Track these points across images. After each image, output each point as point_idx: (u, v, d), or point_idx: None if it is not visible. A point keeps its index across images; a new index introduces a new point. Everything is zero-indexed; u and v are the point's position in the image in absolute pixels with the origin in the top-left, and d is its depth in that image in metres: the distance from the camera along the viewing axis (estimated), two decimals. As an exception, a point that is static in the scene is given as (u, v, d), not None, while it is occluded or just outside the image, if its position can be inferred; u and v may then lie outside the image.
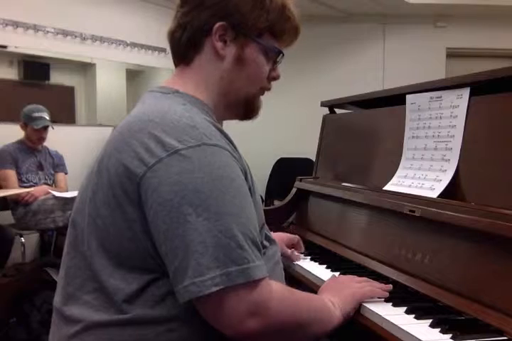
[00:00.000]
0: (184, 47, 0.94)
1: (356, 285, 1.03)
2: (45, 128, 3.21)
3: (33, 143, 3.27)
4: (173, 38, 0.96)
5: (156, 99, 0.92)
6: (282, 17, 0.96)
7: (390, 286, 1.05)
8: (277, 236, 1.28)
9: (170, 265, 0.77)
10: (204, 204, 0.75)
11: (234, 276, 0.74)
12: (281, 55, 0.98)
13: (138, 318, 0.80)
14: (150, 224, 0.78)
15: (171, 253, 0.76)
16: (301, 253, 1.39)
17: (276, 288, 0.82)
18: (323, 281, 1.11)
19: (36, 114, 3.18)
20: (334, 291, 1.00)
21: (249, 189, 0.86)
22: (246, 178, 0.86)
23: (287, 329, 0.83)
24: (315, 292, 1.04)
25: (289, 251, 1.35)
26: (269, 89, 1.01)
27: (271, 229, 1.23)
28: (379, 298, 1.01)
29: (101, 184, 0.84)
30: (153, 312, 0.80)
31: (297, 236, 1.41)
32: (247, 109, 1.00)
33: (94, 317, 0.82)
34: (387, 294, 1.02)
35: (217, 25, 0.91)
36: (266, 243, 0.97)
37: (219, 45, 0.92)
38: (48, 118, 3.22)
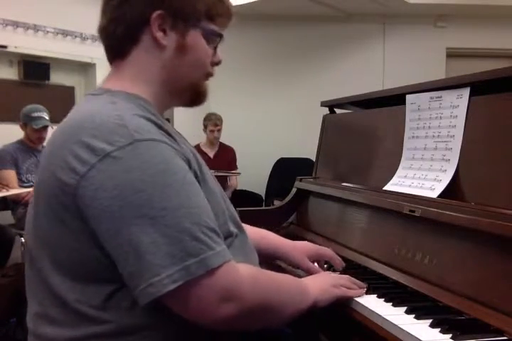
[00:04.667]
0: (119, 42, 0.90)
1: (338, 282, 1.02)
2: (45, 128, 3.21)
3: (32, 143, 3.26)
4: (106, 33, 0.92)
5: (86, 102, 0.90)
6: (216, 0, 0.93)
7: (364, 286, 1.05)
8: (301, 245, 1.22)
9: (123, 271, 0.75)
10: (147, 203, 0.73)
11: (194, 269, 0.73)
12: (220, 38, 0.95)
13: (111, 330, 0.78)
14: (96, 233, 0.76)
15: (122, 259, 0.74)
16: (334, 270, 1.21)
17: (245, 271, 0.81)
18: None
19: (36, 114, 3.17)
20: (315, 278, 1.01)
21: (197, 177, 0.84)
22: (190, 167, 0.83)
23: (264, 310, 0.83)
24: None
25: (311, 264, 1.18)
26: (212, 74, 0.97)
27: (271, 230, 1.23)
28: (379, 298, 1.01)
29: (39, 200, 0.82)
30: (125, 322, 0.79)
31: (329, 250, 1.22)
32: (194, 96, 0.97)
33: (65, 334, 0.80)
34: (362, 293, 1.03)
35: (155, 14, 0.87)
36: (233, 229, 0.93)
37: (159, 35, 0.88)
38: (47, 118, 3.22)
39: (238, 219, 0.99)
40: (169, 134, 0.83)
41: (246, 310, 0.78)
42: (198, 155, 0.91)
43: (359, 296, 1.02)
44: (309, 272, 1.16)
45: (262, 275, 0.86)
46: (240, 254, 0.89)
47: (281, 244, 1.22)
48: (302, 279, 1.00)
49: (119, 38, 0.90)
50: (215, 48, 0.95)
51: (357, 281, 1.06)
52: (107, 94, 0.88)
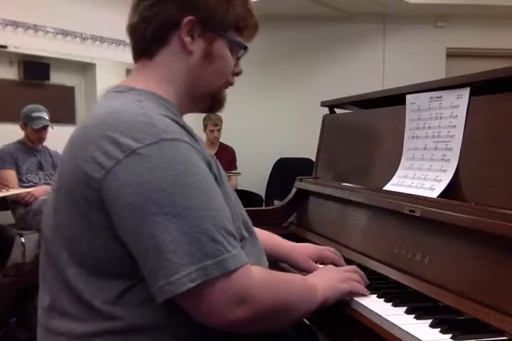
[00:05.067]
0: (148, 41, 0.92)
1: (344, 276, 1.02)
2: (45, 128, 3.21)
3: (32, 143, 3.26)
4: (136, 31, 0.93)
5: (110, 99, 0.90)
6: (246, 12, 0.95)
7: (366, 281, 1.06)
8: (302, 247, 1.23)
9: (143, 267, 0.76)
10: (169, 201, 0.74)
11: (210, 270, 0.74)
12: (244, 50, 0.98)
13: (122, 327, 0.79)
14: (117, 228, 0.76)
15: (143, 255, 0.75)
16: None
17: (258, 274, 0.81)
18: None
19: (36, 114, 3.18)
20: (320, 275, 1.00)
21: (216, 180, 0.85)
22: (210, 169, 0.84)
23: (275, 313, 0.83)
24: None
25: (314, 265, 1.19)
26: (232, 84, 1.00)
27: (271, 230, 1.23)
28: (379, 298, 1.01)
29: (61, 193, 0.82)
30: (136, 320, 0.79)
31: (332, 253, 1.23)
32: (214, 102, 0.99)
33: (77, 329, 0.81)
34: (367, 292, 1.02)
35: (186, 19, 0.89)
36: (246, 234, 0.94)
37: (187, 40, 0.90)
38: (47, 118, 3.22)
39: (250, 222, 1.00)
40: (191, 136, 0.85)
41: (258, 314, 0.79)
42: (216, 159, 0.91)
43: (366, 293, 1.01)
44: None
45: (273, 277, 0.87)
46: (251, 257, 0.89)
47: (283, 246, 1.22)
48: (309, 277, 0.99)
49: (147, 38, 0.91)
50: (237, 59, 0.98)
51: (361, 273, 1.06)
52: (131, 92, 0.88)
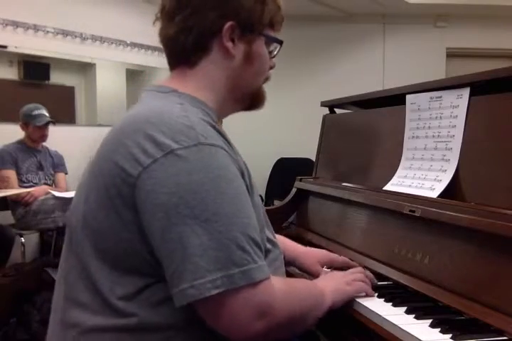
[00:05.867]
0: (189, 51, 0.92)
1: (349, 278, 1.02)
2: (47, 124, 3.22)
3: (35, 142, 3.27)
4: (174, 42, 0.93)
5: (152, 98, 0.91)
6: (276, 7, 0.96)
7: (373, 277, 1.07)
8: (312, 251, 1.23)
9: (167, 268, 0.75)
10: (202, 205, 0.74)
11: (236, 278, 0.73)
12: (280, 45, 0.99)
13: (134, 324, 0.78)
14: (146, 226, 0.76)
15: (168, 256, 0.74)
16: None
17: (278, 287, 0.81)
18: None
19: (36, 112, 3.18)
20: (327, 280, 1.00)
21: (247, 188, 0.85)
22: (243, 178, 0.84)
23: (290, 322, 0.83)
24: None
25: (322, 269, 1.18)
26: (269, 78, 1.02)
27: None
28: (379, 298, 1.01)
29: (95, 186, 0.82)
30: (149, 319, 0.79)
31: (343, 260, 1.21)
32: (255, 100, 1.01)
33: (90, 321, 0.80)
34: (374, 293, 1.03)
35: (227, 25, 0.90)
36: (268, 245, 0.95)
37: (229, 45, 0.91)
38: (47, 115, 3.23)
39: (274, 233, 1.00)
40: (228, 143, 0.85)
41: (275, 327, 0.78)
42: (247, 166, 0.91)
43: (372, 294, 1.02)
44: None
45: (290, 288, 0.86)
46: (271, 268, 0.88)
47: (293, 249, 1.22)
48: (318, 282, 0.99)
49: (188, 47, 0.92)
50: (269, 53, 0.98)
51: (369, 273, 1.07)
52: (173, 93, 0.89)
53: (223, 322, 0.75)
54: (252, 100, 1.00)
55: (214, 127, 0.84)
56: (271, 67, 1.01)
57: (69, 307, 0.84)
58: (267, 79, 1.01)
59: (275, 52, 1.00)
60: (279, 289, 0.81)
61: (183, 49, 0.92)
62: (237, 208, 0.77)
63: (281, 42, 0.99)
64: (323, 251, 1.25)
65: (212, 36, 0.91)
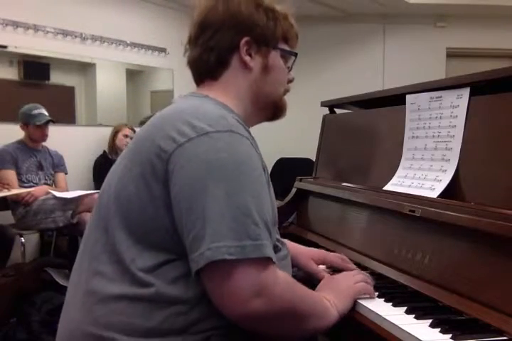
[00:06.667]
0: (212, 67, 1.02)
1: (350, 281, 1.03)
2: (48, 123, 3.22)
3: (35, 142, 3.27)
4: (199, 62, 1.02)
5: (187, 99, 1.00)
6: (288, 24, 1.07)
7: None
8: (305, 249, 1.26)
9: (188, 235, 0.80)
10: (227, 180, 0.81)
11: (248, 250, 0.78)
12: (295, 57, 1.10)
13: (151, 295, 0.83)
14: (173, 197, 0.83)
15: (191, 222, 0.80)
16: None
17: (282, 276, 0.85)
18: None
19: (36, 111, 3.19)
20: (330, 290, 1.01)
21: (267, 182, 0.91)
22: (264, 172, 0.91)
23: (289, 316, 0.85)
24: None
25: (315, 267, 1.20)
26: (289, 90, 1.11)
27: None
28: (379, 298, 1.02)
29: (130, 163, 0.90)
30: (166, 291, 0.83)
31: (337, 257, 1.23)
32: (277, 110, 1.09)
33: (108, 289, 0.85)
34: (375, 294, 1.03)
35: (243, 41, 0.99)
36: (278, 244, 0.99)
37: (247, 58, 1.00)
38: (47, 114, 3.23)
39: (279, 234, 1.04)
40: (254, 140, 0.93)
41: (272, 311, 0.81)
42: (266, 168, 0.97)
43: (373, 296, 1.02)
44: (314, 275, 1.17)
45: (295, 283, 0.89)
46: (278, 266, 0.90)
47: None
48: (325, 295, 0.97)
49: (211, 64, 1.01)
50: (288, 68, 1.09)
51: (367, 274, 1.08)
52: (207, 98, 0.98)
53: (226, 292, 0.79)
54: (275, 109, 1.09)
55: (242, 125, 0.92)
56: (290, 81, 1.11)
57: (91, 278, 0.89)
58: (286, 90, 1.10)
59: (291, 64, 1.10)
60: (285, 280, 0.86)
61: (206, 67, 1.02)
62: (256, 191, 0.84)
63: (295, 55, 1.09)
64: (317, 249, 1.29)
65: (232, 52, 1.00)
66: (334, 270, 1.22)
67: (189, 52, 1.05)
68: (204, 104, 0.93)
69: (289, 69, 1.10)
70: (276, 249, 0.95)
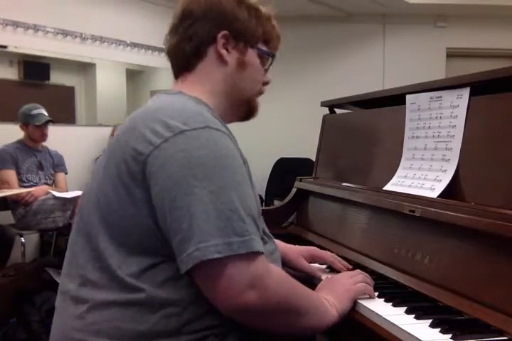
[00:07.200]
0: (188, 57, 1.01)
1: (350, 282, 1.03)
2: (47, 123, 3.22)
3: (35, 142, 3.27)
4: (176, 50, 1.02)
5: (161, 97, 0.99)
6: (270, 26, 1.06)
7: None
8: (293, 246, 1.26)
9: (174, 236, 0.80)
10: (208, 177, 0.80)
11: (236, 246, 0.78)
12: (272, 58, 1.08)
13: (141, 299, 0.82)
14: (154, 199, 0.82)
15: (176, 223, 0.79)
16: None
17: (274, 269, 0.85)
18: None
19: (35, 111, 3.19)
20: (328, 290, 1.00)
21: (248, 176, 0.91)
22: (245, 165, 0.90)
23: (284, 310, 0.85)
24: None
25: (306, 263, 1.22)
26: (263, 92, 1.10)
27: (271, 229, 1.23)
28: (379, 298, 1.02)
29: (108, 167, 0.88)
30: (156, 294, 0.83)
31: (326, 253, 1.25)
32: (248, 110, 1.09)
33: (98, 296, 0.85)
34: (374, 295, 1.03)
35: (220, 34, 0.99)
36: (264, 237, 0.99)
37: (223, 52, 1.00)
38: (47, 114, 3.23)
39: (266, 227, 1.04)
40: (231, 134, 0.92)
41: (265, 304, 0.81)
42: (247, 162, 0.97)
43: (373, 296, 1.02)
44: (304, 271, 1.21)
45: (288, 278, 0.89)
46: (268, 260, 0.90)
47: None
48: (323, 295, 0.98)
49: (188, 54, 1.01)
50: (265, 70, 1.08)
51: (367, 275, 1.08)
52: (180, 94, 0.97)
53: (219, 288, 0.79)
54: (247, 108, 1.08)
55: (218, 119, 0.91)
56: (265, 83, 1.10)
57: (79, 285, 0.88)
58: (260, 92, 1.09)
59: (267, 66, 1.08)
60: (278, 273, 0.86)
61: (183, 56, 1.02)
62: (239, 184, 0.84)
63: (273, 56, 1.07)
64: (309, 247, 1.29)
65: (209, 44, 1.00)
66: (331, 270, 1.23)
67: (168, 40, 1.05)
68: (177, 101, 0.93)
69: (266, 70, 1.09)
70: (262, 241, 0.93)
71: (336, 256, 1.25)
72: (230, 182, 0.82)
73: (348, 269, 1.19)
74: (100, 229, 0.87)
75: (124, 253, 0.85)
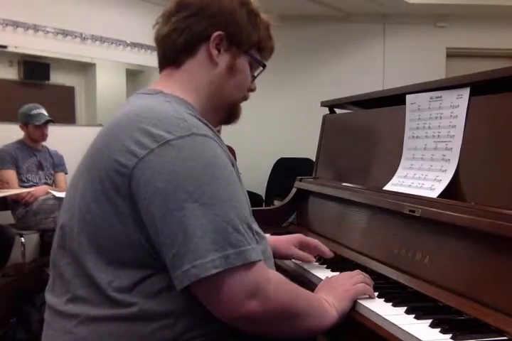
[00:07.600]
0: (177, 51, 0.98)
1: (349, 282, 1.03)
2: (47, 123, 3.22)
3: (35, 142, 3.27)
4: (165, 40, 0.99)
5: (139, 99, 0.95)
6: (267, 35, 1.04)
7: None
8: (283, 237, 1.28)
9: (168, 252, 0.78)
10: (199, 190, 0.78)
11: (232, 259, 0.77)
12: (262, 68, 1.06)
13: (134, 313, 0.81)
14: (144, 215, 0.79)
15: (169, 239, 0.77)
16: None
17: (273, 274, 0.85)
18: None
19: (35, 111, 3.19)
20: (328, 291, 1.00)
21: (238, 177, 0.90)
22: (233, 167, 0.89)
23: (285, 315, 0.85)
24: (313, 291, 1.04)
25: (299, 251, 1.26)
26: (247, 98, 1.08)
27: (271, 229, 1.24)
28: (379, 298, 1.01)
29: (90, 181, 0.85)
30: (148, 307, 0.81)
31: (314, 240, 1.30)
32: (230, 114, 1.06)
33: (88, 312, 0.83)
34: (374, 295, 1.03)
35: (215, 34, 0.96)
36: (256, 237, 0.96)
37: (214, 52, 0.97)
38: (46, 114, 3.24)
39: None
40: (217, 136, 0.90)
41: (267, 311, 0.81)
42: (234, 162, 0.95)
43: (373, 296, 1.02)
44: (299, 259, 1.25)
45: (286, 281, 0.89)
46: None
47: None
48: (322, 295, 0.98)
49: (177, 47, 0.98)
50: (253, 77, 1.06)
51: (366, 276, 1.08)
52: (159, 94, 0.94)
53: (218, 301, 0.78)
54: (229, 112, 1.05)
55: (203, 122, 0.88)
56: (251, 90, 1.08)
57: (67, 301, 0.86)
58: (245, 98, 1.07)
59: (256, 74, 1.07)
60: (277, 278, 0.85)
61: (172, 48, 0.98)
62: (231, 193, 0.81)
63: (264, 66, 1.06)
64: (295, 234, 1.32)
65: (201, 41, 0.97)
66: (328, 266, 1.24)
67: (159, 27, 1.01)
68: (157, 104, 0.88)
69: (253, 78, 1.07)
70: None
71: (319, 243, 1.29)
72: (221, 192, 0.79)
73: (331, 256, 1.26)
74: (88, 250, 0.84)
75: (113, 269, 0.82)
